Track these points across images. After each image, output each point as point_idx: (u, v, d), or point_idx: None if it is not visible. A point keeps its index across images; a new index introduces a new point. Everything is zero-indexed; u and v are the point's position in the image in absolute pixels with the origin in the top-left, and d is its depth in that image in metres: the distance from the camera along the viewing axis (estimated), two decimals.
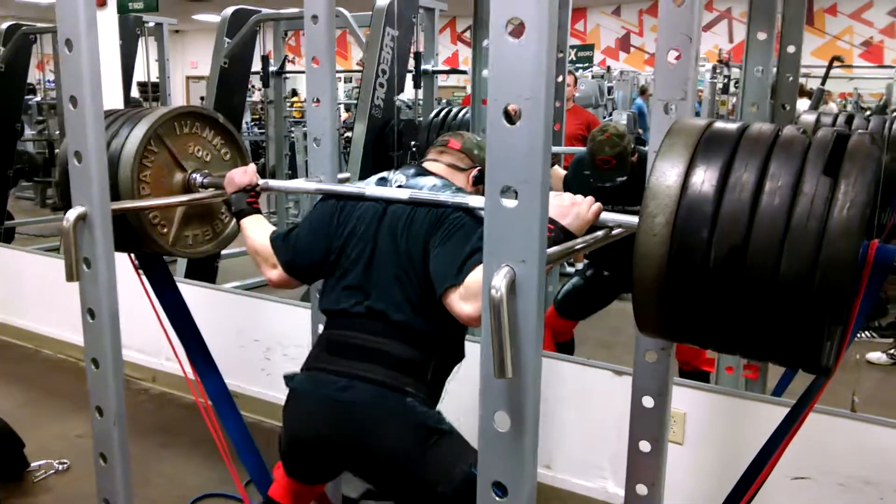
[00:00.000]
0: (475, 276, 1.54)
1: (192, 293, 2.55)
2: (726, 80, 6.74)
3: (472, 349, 1.83)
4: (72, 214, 1.62)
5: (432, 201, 1.71)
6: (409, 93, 4.74)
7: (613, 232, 1.55)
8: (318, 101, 2.10)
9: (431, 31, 4.66)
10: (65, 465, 2.97)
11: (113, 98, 3.53)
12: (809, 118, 3.05)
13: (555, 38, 1.01)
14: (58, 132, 7.24)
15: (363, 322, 1.76)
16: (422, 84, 4.58)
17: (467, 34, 10.42)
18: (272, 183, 2.07)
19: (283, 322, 3.42)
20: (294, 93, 8.61)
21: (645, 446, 1.74)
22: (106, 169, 1.65)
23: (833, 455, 2.30)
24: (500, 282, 1.02)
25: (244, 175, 2.01)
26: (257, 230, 1.96)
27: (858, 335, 1.44)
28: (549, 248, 1.17)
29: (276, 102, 5.73)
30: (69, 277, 1.67)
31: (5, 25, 5.79)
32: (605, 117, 7.03)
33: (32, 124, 7.92)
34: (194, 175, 2.14)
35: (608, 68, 8.43)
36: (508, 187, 1.02)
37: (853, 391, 2.37)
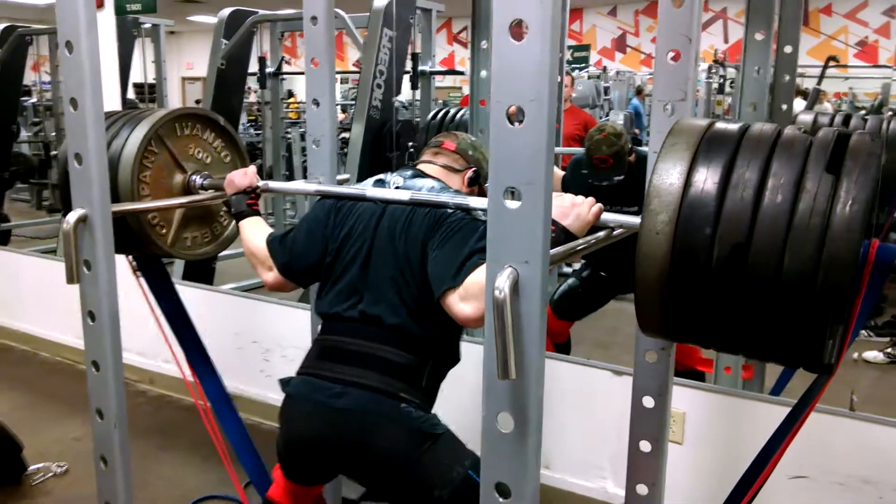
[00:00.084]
0: (474, 278, 1.54)
1: (190, 295, 2.55)
2: (722, 80, 6.76)
3: (465, 351, 1.84)
4: (72, 217, 1.61)
5: (433, 202, 1.71)
6: (406, 94, 4.75)
7: (615, 233, 1.56)
8: (317, 102, 2.10)
9: (428, 32, 4.65)
10: (63, 468, 2.97)
11: (110, 100, 3.52)
12: (807, 118, 3.06)
13: (558, 39, 1.01)
14: (53, 134, 7.23)
15: (357, 327, 1.76)
16: (419, 85, 4.59)
17: (463, 35, 10.42)
18: (272, 184, 2.07)
19: (282, 323, 3.42)
20: (290, 94, 8.61)
21: (645, 446, 1.74)
22: (106, 171, 1.65)
23: (832, 454, 2.30)
24: (503, 283, 1.03)
25: (244, 177, 2.01)
26: (255, 232, 1.96)
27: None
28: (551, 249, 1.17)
29: (274, 104, 5.73)
30: (70, 280, 1.66)
31: (1, 27, 5.78)
32: (601, 117, 7.04)
33: (28, 126, 7.91)
34: (194, 177, 2.14)
35: (604, 68, 8.44)
36: (512, 188, 1.02)
37: (852, 390, 2.37)
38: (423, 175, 1.89)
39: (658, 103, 1.59)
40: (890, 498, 2.23)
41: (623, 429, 1.77)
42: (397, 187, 1.84)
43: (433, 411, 1.77)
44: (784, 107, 2.70)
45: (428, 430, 1.68)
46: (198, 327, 2.31)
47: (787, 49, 2.68)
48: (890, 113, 5.26)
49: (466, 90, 4.16)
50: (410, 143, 4.14)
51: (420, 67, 4.52)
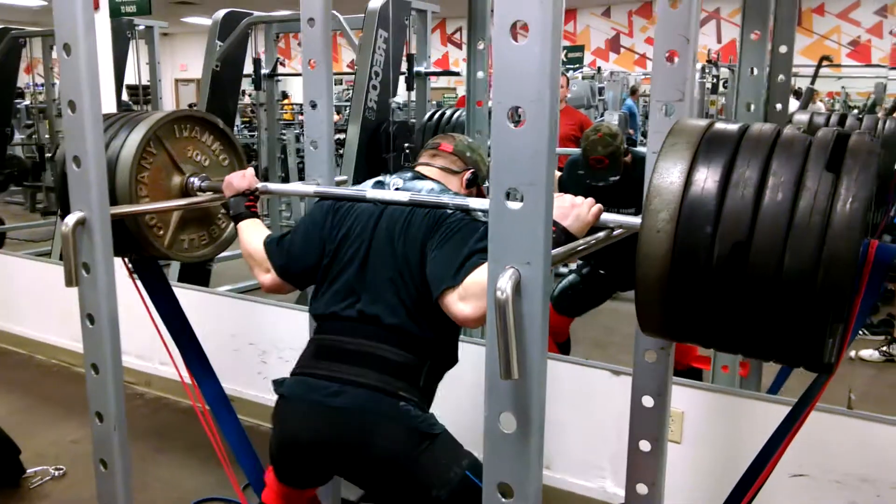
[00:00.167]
0: (473, 278, 1.55)
1: (187, 297, 2.54)
2: (715, 80, 6.79)
3: (463, 352, 1.84)
4: (71, 219, 1.61)
5: (434, 202, 1.71)
6: (401, 95, 4.75)
7: (614, 233, 1.56)
8: (314, 104, 2.10)
9: (424, 33, 4.66)
10: (61, 471, 2.95)
11: (106, 102, 3.50)
12: (802, 118, 3.07)
13: (559, 40, 1.01)
14: (47, 136, 7.21)
15: (355, 326, 1.75)
16: (414, 86, 4.59)
17: (457, 35, 10.43)
18: (271, 186, 2.07)
19: (279, 325, 3.41)
20: (285, 95, 8.61)
21: (645, 446, 1.74)
22: (105, 174, 1.64)
23: (830, 452, 2.31)
24: (505, 283, 1.03)
25: (243, 179, 2.00)
26: (253, 234, 1.96)
27: None
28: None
29: (269, 105, 5.72)
30: (69, 283, 1.66)
31: None
32: (596, 118, 7.06)
33: (21, 129, 7.89)
34: (192, 179, 2.13)
35: (599, 69, 8.47)
36: (514, 190, 1.03)
37: (849, 389, 2.38)
38: (422, 177, 1.89)
39: (656, 104, 1.60)
40: (888, 495, 2.23)
41: (622, 428, 1.78)
42: (397, 189, 1.84)
43: (430, 412, 1.77)
44: (779, 107, 2.70)
45: (426, 430, 1.68)
46: (195, 329, 2.30)
47: (783, 49, 2.68)
48: (883, 113, 5.28)
49: (461, 91, 4.17)
50: (407, 145, 4.15)
51: (415, 68, 4.53)
